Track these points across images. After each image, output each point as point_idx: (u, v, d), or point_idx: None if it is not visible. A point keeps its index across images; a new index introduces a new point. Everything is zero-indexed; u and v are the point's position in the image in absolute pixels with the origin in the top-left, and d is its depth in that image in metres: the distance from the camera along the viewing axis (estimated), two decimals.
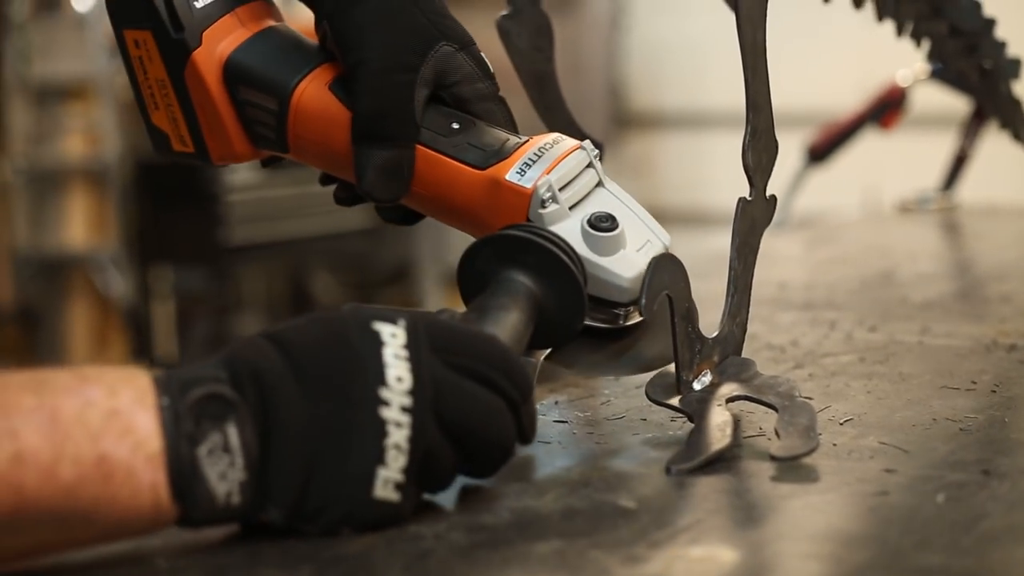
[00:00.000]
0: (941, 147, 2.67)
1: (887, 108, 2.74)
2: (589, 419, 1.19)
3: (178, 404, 0.86)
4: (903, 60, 2.76)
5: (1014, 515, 0.93)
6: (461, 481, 0.97)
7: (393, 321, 0.92)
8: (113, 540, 0.87)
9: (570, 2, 6.12)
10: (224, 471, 0.86)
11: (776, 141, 1.22)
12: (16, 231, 5.38)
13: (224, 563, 0.87)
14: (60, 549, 0.86)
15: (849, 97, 3.16)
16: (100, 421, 0.83)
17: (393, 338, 0.91)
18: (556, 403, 1.25)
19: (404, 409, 0.89)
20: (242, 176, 5.11)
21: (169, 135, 1.24)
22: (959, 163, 2.60)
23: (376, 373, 0.89)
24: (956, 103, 2.67)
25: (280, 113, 1.19)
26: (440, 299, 5.45)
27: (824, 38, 4.89)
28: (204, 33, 1.19)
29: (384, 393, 0.89)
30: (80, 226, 5.39)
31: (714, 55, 6.05)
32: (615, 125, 6.18)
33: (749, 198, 1.20)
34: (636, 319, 1.15)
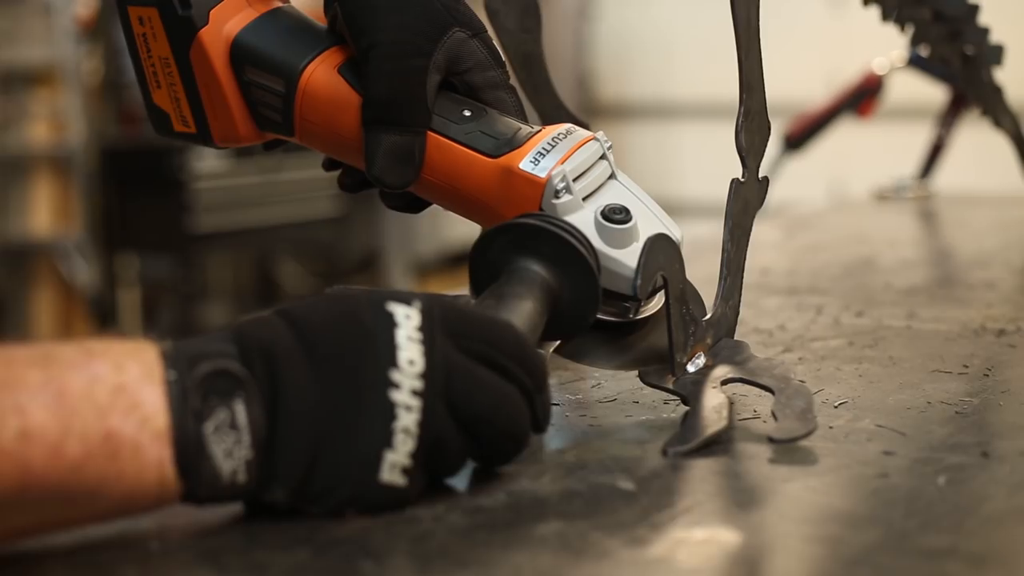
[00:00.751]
0: (912, 137, 2.67)
1: (864, 96, 2.74)
2: (580, 401, 1.18)
3: (185, 379, 0.84)
4: (872, 52, 2.77)
5: (1017, 497, 0.92)
6: (469, 466, 0.96)
7: (408, 303, 0.90)
8: (117, 517, 0.85)
9: None
10: (230, 448, 0.84)
11: (769, 122, 1.22)
12: None
13: (218, 546, 0.86)
14: (63, 527, 0.84)
15: (817, 89, 3.16)
16: (107, 397, 0.82)
17: (407, 319, 0.89)
18: None
19: (415, 392, 0.87)
20: (209, 164, 5.09)
21: (170, 115, 1.22)
22: (936, 151, 2.59)
23: (388, 354, 0.88)
24: (928, 93, 2.67)
25: (287, 95, 1.17)
26: (408, 288, 5.43)
27: (792, 30, 4.89)
28: (211, 12, 1.17)
29: (395, 375, 0.87)
30: (45, 213, 5.36)
31: (682, 46, 6.07)
32: (583, 115, 6.12)
33: (742, 179, 1.20)
34: (647, 313, 1.13)
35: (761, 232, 2.27)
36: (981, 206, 2.59)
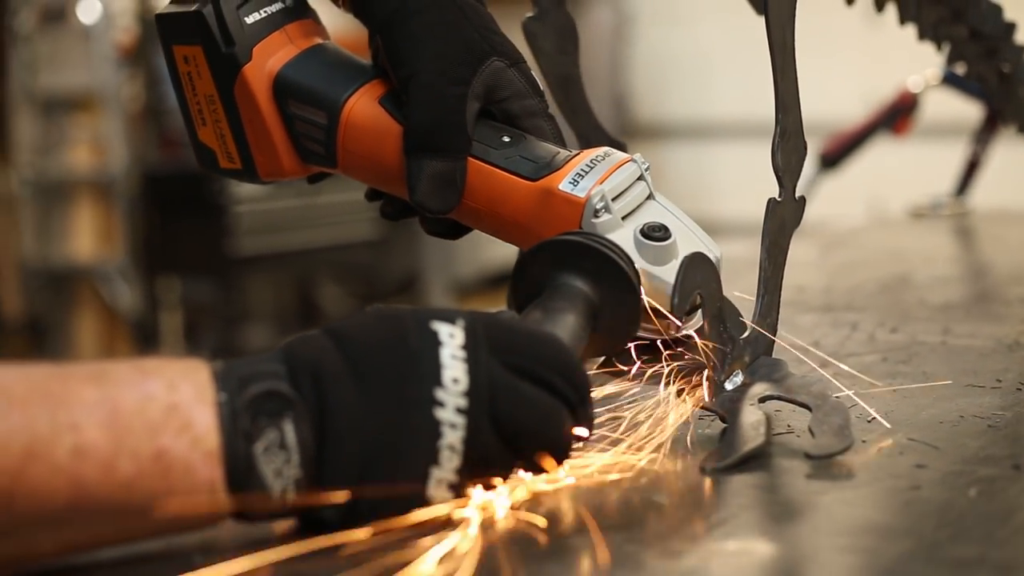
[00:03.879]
0: (949, 155, 2.68)
1: (899, 114, 2.75)
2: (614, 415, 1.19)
3: (236, 400, 0.86)
4: (909, 71, 2.77)
5: None
6: None
7: (452, 321, 0.92)
8: (168, 534, 0.87)
9: (575, 14, 6.13)
10: (280, 468, 0.86)
11: (805, 142, 1.23)
12: (23, 243, 5.39)
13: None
14: (116, 542, 0.86)
15: (854, 107, 3.16)
16: (159, 416, 0.84)
17: (451, 338, 0.91)
18: None
19: (459, 411, 0.89)
20: (249, 188, 5.12)
21: (216, 152, 1.25)
22: (972, 168, 2.60)
23: (432, 374, 0.89)
24: (963, 111, 2.68)
25: (330, 127, 1.20)
26: None
27: (829, 49, 4.90)
28: (254, 48, 1.20)
29: (439, 394, 0.89)
30: (87, 237, 5.40)
31: (718, 66, 6.08)
32: (620, 136, 6.14)
33: (779, 199, 1.21)
34: (686, 331, 1.15)
35: (797, 250, 2.27)
36: (1017, 223, 2.59)
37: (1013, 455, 1.05)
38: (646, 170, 1.17)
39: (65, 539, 0.84)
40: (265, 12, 1.22)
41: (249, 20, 1.21)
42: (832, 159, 2.91)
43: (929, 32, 1.80)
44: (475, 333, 0.92)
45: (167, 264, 5.37)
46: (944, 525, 0.91)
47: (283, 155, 1.23)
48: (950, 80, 2.52)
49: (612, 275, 1.08)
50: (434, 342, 0.90)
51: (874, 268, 1.99)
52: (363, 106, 1.20)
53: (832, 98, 4.08)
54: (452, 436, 0.89)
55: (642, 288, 1.09)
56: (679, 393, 1.13)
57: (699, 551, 0.88)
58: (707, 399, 1.13)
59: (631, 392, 1.12)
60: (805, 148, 1.24)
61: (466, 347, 0.91)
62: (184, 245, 5.34)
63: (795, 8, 1.22)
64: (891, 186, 3.19)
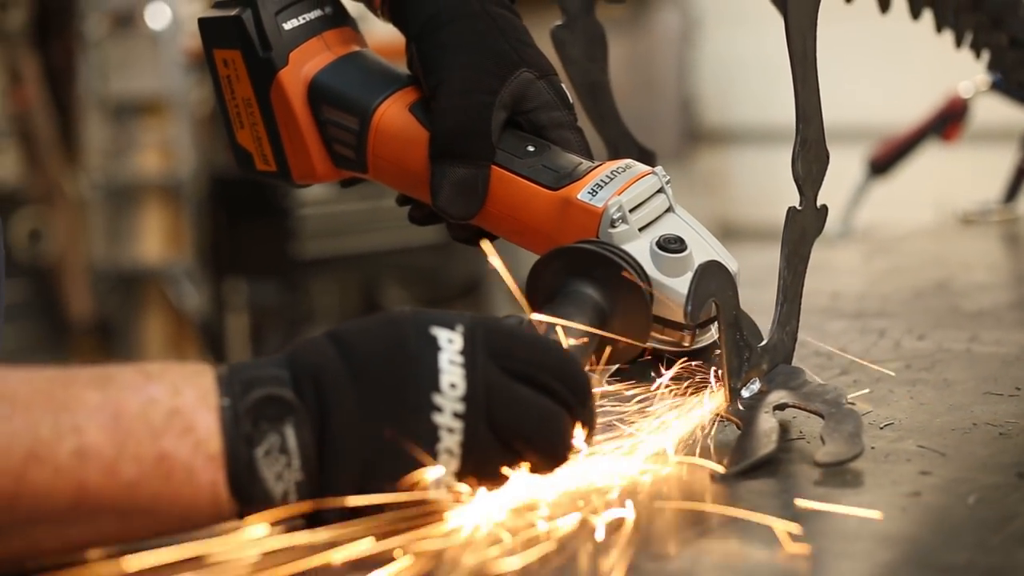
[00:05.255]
0: (1003, 159, 2.67)
1: (949, 120, 2.74)
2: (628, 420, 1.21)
3: (238, 404, 0.88)
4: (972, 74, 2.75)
5: None
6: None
7: (452, 326, 0.94)
8: (172, 533, 0.90)
9: (642, 18, 6.14)
10: (281, 472, 0.89)
11: (827, 151, 1.24)
12: (93, 245, 5.47)
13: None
14: (120, 541, 0.89)
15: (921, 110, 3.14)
16: (162, 419, 0.87)
17: (450, 343, 0.93)
18: None
19: (456, 415, 0.91)
20: (314, 190, 5.15)
21: (253, 154, 1.29)
22: (1020, 175, 2.59)
23: (431, 379, 0.92)
24: (1015, 117, 2.66)
25: (361, 132, 1.23)
26: (511, 313, 5.46)
27: (895, 51, 4.87)
28: (291, 54, 1.24)
29: (437, 399, 0.91)
30: (155, 240, 5.47)
31: (786, 69, 6.04)
32: (687, 140, 6.18)
33: (799, 207, 1.22)
34: (703, 343, 1.16)
35: (841, 256, 2.29)
36: None
37: (1019, 463, 1.06)
38: (667, 183, 1.19)
39: (68, 538, 0.86)
40: (303, 19, 1.26)
41: (287, 26, 1.25)
42: (881, 166, 2.90)
43: (967, 40, 1.80)
44: (474, 338, 0.94)
45: (233, 266, 5.42)
46: (939, 531, 0.92)
47: (316, 159, 1.26)
48: (1000, 86, 2.51)
49: (622, 283, 1.10)
50: (433, 347, 0.93)
51: (913, 275, 1.99)
52: (394, 112, 1.23)
53: (899, 101, 4.05)
54: (450, 440, 0.91)
55: (653, 296, 1.11)
56: (695, 400, 1.15)
57: (690, 553, 0.89)
58: (724, 406, 1.15)
59: (646, 398, 1.14)
60: (827, 157, 1.25)
61: (464, 352, 0.93)
62: (250, 248, 5.39)
63: (816, 16, 1.23)
64: (942, 192, 3.16)
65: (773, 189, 5.90)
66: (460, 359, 0.92)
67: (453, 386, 0.92)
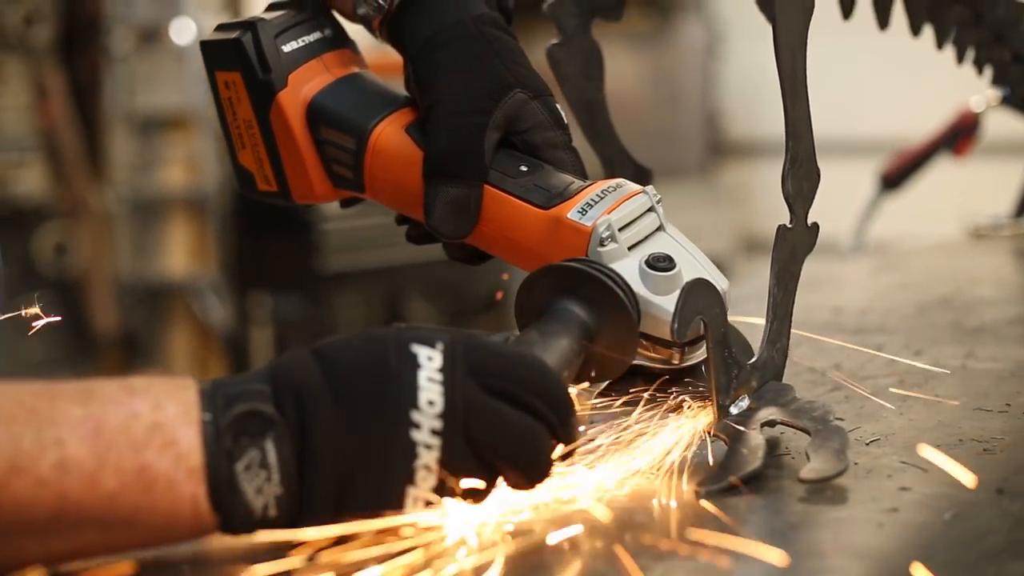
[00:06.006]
0: (1010, 175, 2.66)
1: (960, 135, 2.73)
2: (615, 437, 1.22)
3: (220, 419, 0.90)
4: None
5: (1018, 532, 0.95)
6: None
7: (432, 344, 0.95)
8: (154, 546, 0.91)
9: (666, 31, 6.15)
10: (261, 486, 0.90)
11: (818, 169, 1.25)
12: (119, 259, 5.50)
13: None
14: (103, 553, 0.91)
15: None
16: (143, 433, 0.88)
17: (429, 361, 0.94)
18: None
19: (434, 432, 0.93)
20: (337, 205, 5.18)
21: (255, 175, 1.30)
22: None
23: (409, 396, 0.93)
24: None
25: (358, 152, 1.25)
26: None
27: (911, 64, 4.86)
28: (290, 75, 1.26)
29: (415, 416, 0.93)
30: (180, 253, 5.50)
31: (811, 82, 6.04)
32: (712, 153, 6.18)
33: (789, 225, 1.23)
34: (692, 361, 1.17)
35: (849, 271, 2.30)
36: None
37: (999, 479, 1.06)
38: (657, 202, 1.20)
39: (50, 549, 0.88)
40: (303, 41, 1.27)
41: (286, 48, 1.26)
42: (893, 180, 2.90)
43: (968, 56, 1.81)
44: (454, 356, 0.95)
45: (258, 280, 5.44)
46: (912, 547, 0.93)
47: (315, 179, 1.28)
48: (1009, 100, 2.50)
49: (607, 300, 1.11)
50: (413, 364, 0.94)
51: (918, 290, 1.99)
52: (390, 133, 1.24)
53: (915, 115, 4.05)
54: (428, 457, 0.92)
55: (640, 314, 1.12)
56: (683, 417, 1.16)
57: (661, 565, 0.90)
58: (712, 423, 1.15)
59: (631, 415, 1.15)
60: (818, 175, 1.26)
61: (443, 370, 0.94)
62: (274, 262, 5.42)
63: (806, 34, 1.24)
64: (957, 206, 3.16)
65: (814, 202, 5.91)
66: (439, 376, 0.94)
67: (431, 403, 0.93)
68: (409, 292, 5.99)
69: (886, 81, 5.19)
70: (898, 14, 1.67)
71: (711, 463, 1.11)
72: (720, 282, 1.16)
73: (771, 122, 6.10)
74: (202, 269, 5.46)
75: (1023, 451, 1.15)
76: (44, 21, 5.17)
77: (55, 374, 0.86)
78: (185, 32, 5.39)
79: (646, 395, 1.17)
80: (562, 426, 0.98)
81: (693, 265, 1.16)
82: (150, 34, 5.50)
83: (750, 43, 6.18)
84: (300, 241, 5.23)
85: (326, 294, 5.53)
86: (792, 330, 1.22)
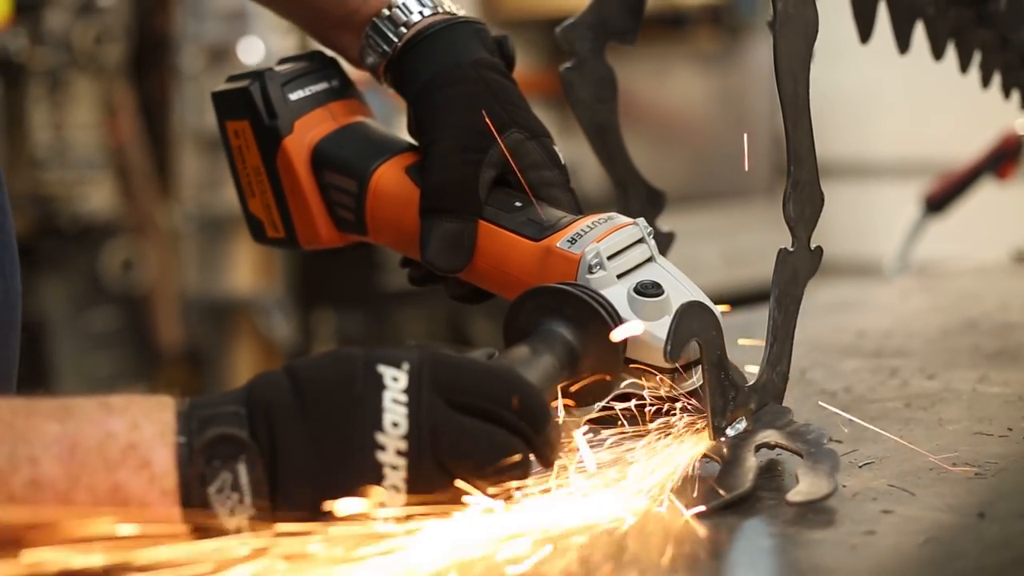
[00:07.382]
0: None
1: (1004, 158, 2.72)
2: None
3: (194, 442, 0.92)
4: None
5: (989, 556, 0.96)
6: None
7: (398, 364, 0.97)
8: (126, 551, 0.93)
9: (734, 52, 6.15)
10: (233, 507, 0.92)
11: (821, 193, 1.25)
12: (185, 275, 5.56)
13: None
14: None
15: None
16: (118, 453, 0.90)
17: (394, 382, 0.96)
18: None
19: (399, 453, 0.94)
20: None
21: (264, 222, 1.34)
22: None
23: (374, 418, 0.95)
24: None
25: (359, 194, 1.27)
26: None
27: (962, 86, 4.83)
28: (296, 122, 1.29)
29: (380, 438, 0.94)
30: (246, 271, 5.55)
31: (880, 105, 6.02)
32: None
33: (791, 249, 1.23)
34: (685, 388, 1.18)
35: (880, 294, 2.29)
36: None
37: (983, 503, 1.07)
38: (648, 234, 1.21)
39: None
40: (310, 90, 1.31)
41: (293, 96, 1.30)
42: (937, 203, 2.89)
43: (995, 80, 1.80)
44: (420, 376, 0.96)
45: (322, 297, 5.49)
46: (881, 571, 0.94)
47: (320, 224, 1.31)
48: None
49: (591, 320, 1.12)
50: (378, 386, 0.95)
51: (945, 313, 1.99)
52: (391, 174, 1.27)
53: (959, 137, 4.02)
54: (394, 477, 0.94)
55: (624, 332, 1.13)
56: (679, 438, 1.17)
57: None
58: (708, 444, 1.16)
59: (628, 437, 1.16)
60: (821, 198, 1.26)
61: (408, 391, 0.96)
62: (338, 279, 5.46)
63: (809, 60, 1.25)
64: (1005, 230, 3.14)
65: (867, 224, 5.90)
66: (404, 397, 0.95)
67: (395, 424, 0.95)
68: (472, 311, 6.02)
69: (942, 103, 5.16)
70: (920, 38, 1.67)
71: (702, 483, 1.12)
72: (713, 310, 1.17)
73: (841, 143, 6.11)
74: (267, 286, 5.51)
75: (1014, 476, 1.15)
76: (114, 40, 5.24)
77: (121, 388, 0.89)
78: (253, 51, 5.44)
79: (643, 414, 1.18)
80: (536, 435, 0.99)
81: (684, 294, 1.17)
82: (219, 53, 5.56)
83: (818, 64, 6.14)
84: (364, 259, 5.27)
85: (389, 312, 5.57)
86: (810, 353, 1.22)
